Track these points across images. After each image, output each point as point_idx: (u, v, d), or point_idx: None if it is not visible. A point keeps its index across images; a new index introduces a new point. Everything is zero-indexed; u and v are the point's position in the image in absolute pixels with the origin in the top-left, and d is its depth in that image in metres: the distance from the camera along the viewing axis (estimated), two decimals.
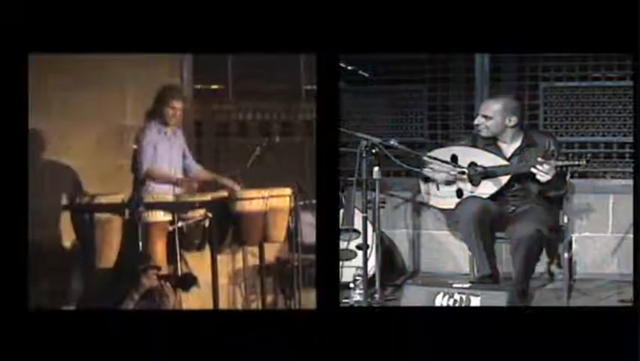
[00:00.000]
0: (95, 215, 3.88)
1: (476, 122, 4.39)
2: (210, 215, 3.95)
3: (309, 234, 4.12)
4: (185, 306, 3.97)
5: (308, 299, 4.14)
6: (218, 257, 4.04)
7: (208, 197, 4.04)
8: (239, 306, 4.50)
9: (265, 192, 4.10)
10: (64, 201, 4.01)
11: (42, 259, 4.05)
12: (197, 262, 4.04)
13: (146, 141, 4.18)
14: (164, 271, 3.79)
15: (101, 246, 3.89)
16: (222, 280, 4.14)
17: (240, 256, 4.38)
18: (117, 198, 3.96)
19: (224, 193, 4.12)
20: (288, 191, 4.11)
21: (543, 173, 4.09)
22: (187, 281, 3.78)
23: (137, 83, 4.44)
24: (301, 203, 4.06)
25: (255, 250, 4.31)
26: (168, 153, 4.27)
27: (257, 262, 4.33)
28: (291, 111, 4.77)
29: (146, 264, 3.62)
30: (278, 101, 4.77)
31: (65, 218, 4.07)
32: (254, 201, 4.02)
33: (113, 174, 4.39)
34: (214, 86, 4.73)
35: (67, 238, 4.23)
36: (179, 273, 3.86)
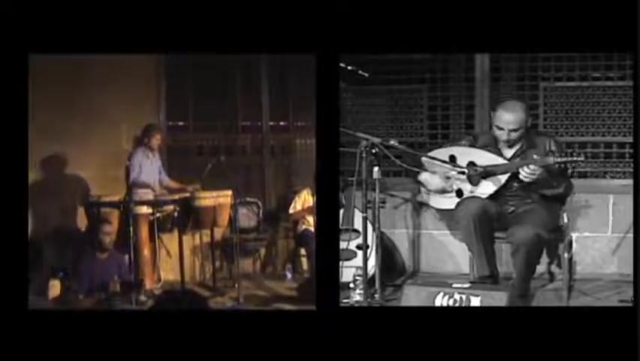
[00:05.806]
0: (101, 209, 5.37)
1: (505, 137, 4.23)
2: (178, 209, 5.49)
3: (243, 220, 6.26)
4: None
5: (244, 265, 6.04)
6: (183, 237, 5.71)
7: (176, 197, 5.60)
8: (197, 268, 6.32)
9: (214, 193, 5.62)
10: (80, 199, 5.80)
11: (66, 237, 5.82)
12: (169, 241, 5.72)
13: (135, 160, 5.65)
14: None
15: (104, 229, 5.23)
16: (186, 253, 5.84)
17: (197, 236, 6.17)
18: (115, 198, 5.37)
19: (187, 194, 5.62)
20: (229, 192, 5.59)
21: (527, 174, 4.06)
22: None
23: (129, 121, 6.09)
24: (238, 200, 5.69)
25: (208, 232, 6.02)
26: (149, 168, 5.74)
27: (209, 240, 6.10)
28: (232, 140, 6.71)
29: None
30: (223, 133, 6.70)
31: (80, 210, 5.71)
32: (207, 199, 5.59)
33: (113, 182, 5.81)
34: (180, 123, 6.65)
35: (82, 223, 5.73)
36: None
